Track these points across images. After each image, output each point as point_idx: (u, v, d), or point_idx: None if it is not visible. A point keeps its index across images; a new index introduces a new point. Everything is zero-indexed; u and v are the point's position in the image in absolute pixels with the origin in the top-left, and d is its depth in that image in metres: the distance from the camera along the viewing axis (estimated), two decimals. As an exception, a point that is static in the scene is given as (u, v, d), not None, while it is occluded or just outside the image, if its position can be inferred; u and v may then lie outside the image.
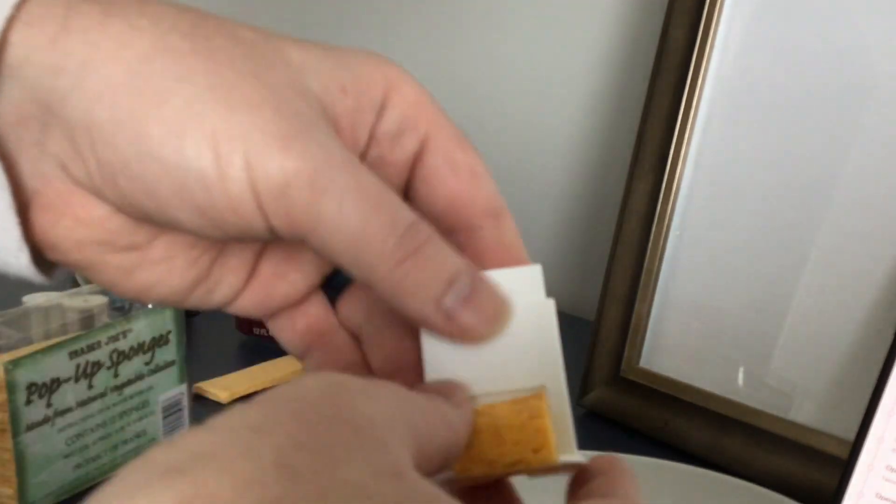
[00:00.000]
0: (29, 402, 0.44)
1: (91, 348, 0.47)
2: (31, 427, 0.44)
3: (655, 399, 0.60)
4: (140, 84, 0.22)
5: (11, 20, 0.21)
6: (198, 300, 0.26)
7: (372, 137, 0.25)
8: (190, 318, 0.75)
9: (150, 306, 0.52)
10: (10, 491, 0.44)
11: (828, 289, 0.55)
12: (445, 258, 0.23)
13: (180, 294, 0.26)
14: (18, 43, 0.22)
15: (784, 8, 0.59)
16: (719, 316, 0.60)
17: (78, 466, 0.47)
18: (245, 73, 0.22)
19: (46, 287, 0.60)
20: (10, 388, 0.43)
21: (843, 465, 0.42)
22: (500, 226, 0.25)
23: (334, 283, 0.28)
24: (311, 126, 0.22)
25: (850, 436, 0.43)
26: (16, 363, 0.43)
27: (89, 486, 0.48)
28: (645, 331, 0.63)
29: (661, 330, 0.63)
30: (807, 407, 0.55)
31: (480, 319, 0.23)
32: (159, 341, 0.51)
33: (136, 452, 0.51)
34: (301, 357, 0.28)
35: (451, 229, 0.25)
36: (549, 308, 0.24)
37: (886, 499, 0.41)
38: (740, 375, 0.58)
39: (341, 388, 0.18)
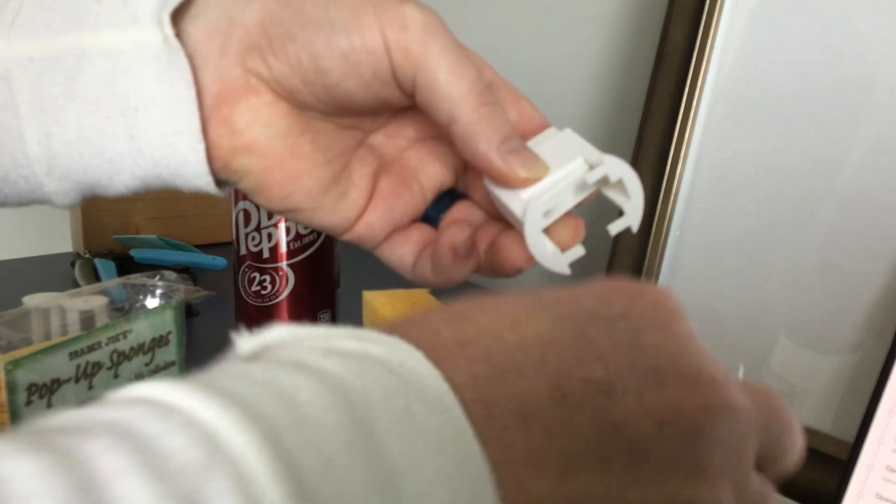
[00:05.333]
0: (29, 402, 0.44)
1: (91, 349, 0.47)
2: (31, 427, 0.44)
3: (655, 399, 0.60)
4: None
5: None
6: (331, 204, 0.34)
7: None
8: (190, 319, 0.75)
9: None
10: (10, 491, 0.44)
11: (828, 289, 0.55)
12: (507, 119, 0.31)
13: (319, 190, 0.33)
14: None
15: (784, 8, 0.59)
16: (719, 316, 0.60)
17: (78, 467, 0.47)
18: None
19: (46, 287, 0.60)
20: (11, 388, 0.43)
21: (843, 465, 0.42)
22: None
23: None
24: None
25: (850, 436, 0.43)
26: (16, 364, 0.43)
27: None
28: (645, 331, 0.63)
29: (661, 330, 0.63)
30: (807, 407, 0.55)
31: (525, 166, 0.31)
32: (159, 342, 0.51)
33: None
34: (412, 268, 0.35)
35: None
36: (567, 131, 0.33)
37: (886, 499, 0.41)
38: (740, 376, 0.58)
39: None
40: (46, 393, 0.45)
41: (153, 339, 0.51)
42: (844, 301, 0.54)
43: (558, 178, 0.31)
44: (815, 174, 0.56)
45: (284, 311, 0.71)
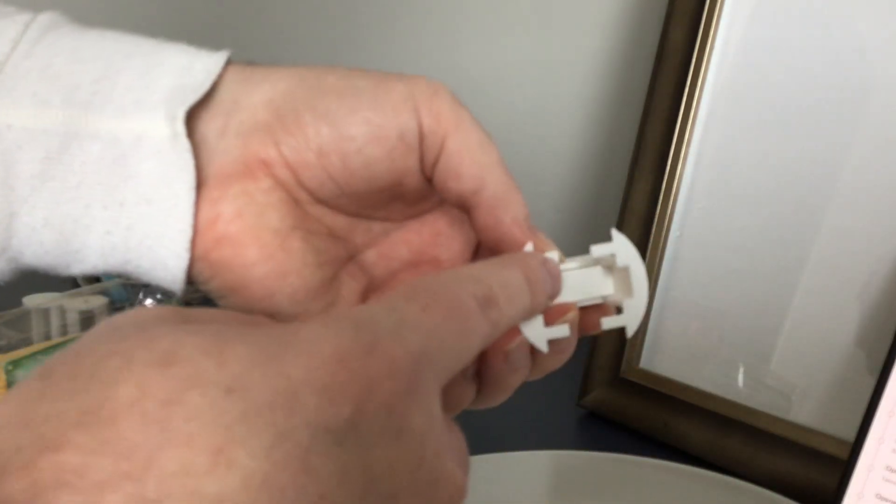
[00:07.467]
0: (29, 402, 0.44)
1: (91, 349, 0.47)
2: (31, 428, 0.44)
3: (655, 399, 0.60)
4: (312, 73, 0.30)
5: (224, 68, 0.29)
6: (317, 313, 0.30)
7: None
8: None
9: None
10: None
11: (828, 289, 0.55)
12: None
13: (306, 294, 0.30)
14: (225, 75, 0.29)
15: (784, 8, 0.59)
16: (719, 316, 0.60)
17: (78, 467, 0.47)
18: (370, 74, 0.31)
19: (46, 288, 0.60)
20: (11, 388, 0.43)
21: (843, 465, 0.42)
22: None
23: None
24: None
25: (850, 436, 0.43)
26: (16, 364, 0.43)
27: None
28: (645, 331, 0.63)
29: (661, 330, 0.63)
30: (807, 407, 0.55)
31: (543, 241, 0.30)
32: (159, 342, 0.51)
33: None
34: None
35: None
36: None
37: (886, 499, 0.41)
38: (740, 376, 0.58)
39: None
40: (46, 393, 0.45)
41: (153, 339, 0.51)
42: (844, 301, 0.54)
43: (568, 265, 0.31)
44: (815, 174, 0.56)
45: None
